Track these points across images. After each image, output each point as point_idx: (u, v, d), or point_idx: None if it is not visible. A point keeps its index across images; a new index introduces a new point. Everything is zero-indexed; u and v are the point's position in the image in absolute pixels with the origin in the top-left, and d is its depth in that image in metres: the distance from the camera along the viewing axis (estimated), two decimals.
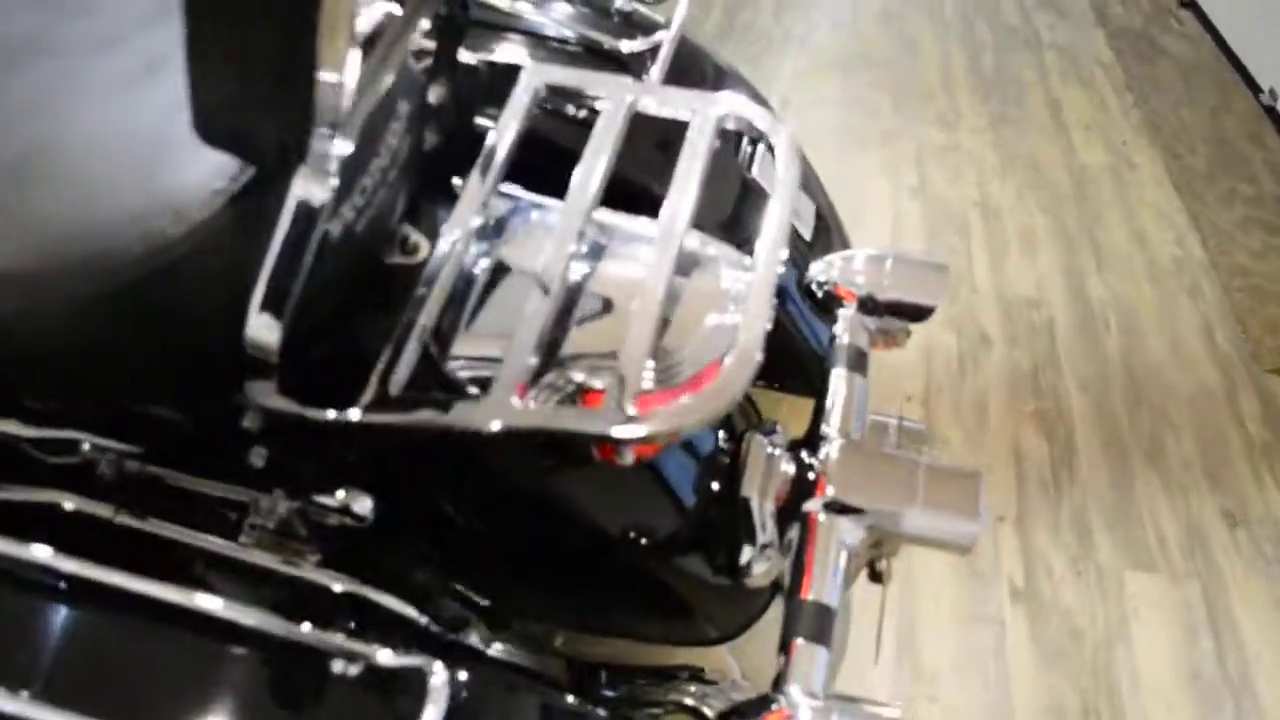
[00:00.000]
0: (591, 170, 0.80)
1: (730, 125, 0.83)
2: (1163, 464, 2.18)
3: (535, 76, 0.86)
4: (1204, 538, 2.04)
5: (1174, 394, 2.35)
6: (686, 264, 0.80)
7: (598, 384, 0.73)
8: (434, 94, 0.87)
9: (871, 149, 3.16)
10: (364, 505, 0.79)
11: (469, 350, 0.76)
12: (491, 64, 0.92)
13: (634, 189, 0.89)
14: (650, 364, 0.73)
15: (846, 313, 1.01)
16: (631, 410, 0.64)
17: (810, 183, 1.22)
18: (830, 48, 3.71)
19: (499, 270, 0.81)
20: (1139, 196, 3.02)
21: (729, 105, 0.83)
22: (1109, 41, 3.83)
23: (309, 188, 0.63)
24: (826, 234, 1.20)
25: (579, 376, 0.74)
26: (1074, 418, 2.27)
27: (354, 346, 0.75)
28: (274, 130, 0.60)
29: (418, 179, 0.83)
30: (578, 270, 0.79)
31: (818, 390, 0.96)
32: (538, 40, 1.08)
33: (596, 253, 0.80)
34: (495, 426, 0.64)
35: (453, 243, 0.78)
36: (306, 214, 0.64)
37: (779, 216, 0.77)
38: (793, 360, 1.15)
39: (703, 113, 0.83)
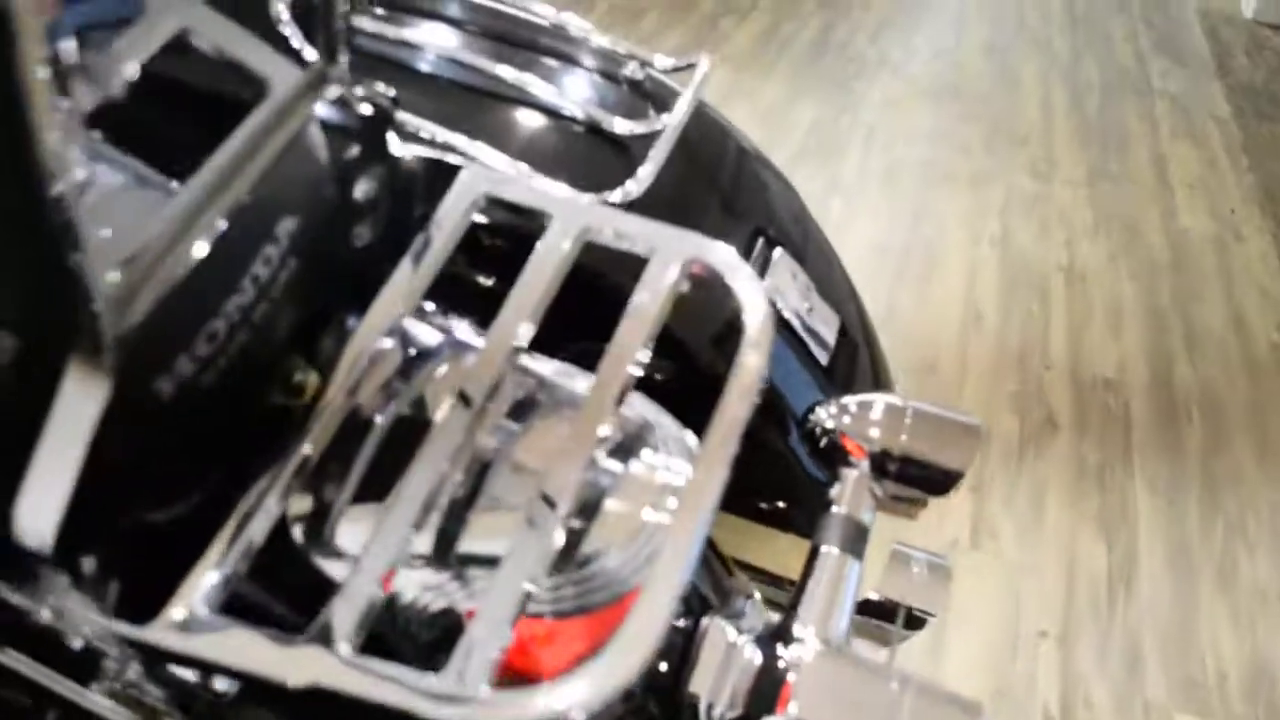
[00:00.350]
0: (521, 307, 0.67)
1: (696, 270, 0.68)
2: (1233, 587, 1.97)
3: (474, 182, 0.72)
4: (1270, 679, 1.83)
5: (1254, 507, 2.13)
6: (619, 439, 0.65)
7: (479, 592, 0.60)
8: (361, 189, 0.75)
9: (956, 190, 2.96)
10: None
11: (342, 533, 0.63)
12: (436, 161, 0.78)
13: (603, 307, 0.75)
14: (546, 582, 0.60)
15: (851, 474, 0.85)
16: (481, 686, 0.50)
17: (837, 288, 1.06)
18: (925, 76, 3.51)
19: (397, 423, 0.67)
20: (1243, 272, 2.78)
21: (695, 249, 0.68)
22: (1227, 95, 3.56)
23: (81, 381, 0.50)
24: (851, 354, 1.04)
25: (468, 584, 0.61)
26: (1140, 523, 2.06)
27: (209, 516, 0.62)
28: (19, 298, 0.47)
29: (320, 297, 0.70)
30: (485, 436, 0.65)
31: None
32: (535, 112, 0.94)
33: (517, 411, 0.66)
34: (302, 681, 0.51)
35: (342, 383, 0.64)
36: (83, 406, 0.51)
37: (737, 400, 0.62)
38: (790, 495, 1.00)
39: (664, 253, 0.68)
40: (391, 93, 0.70)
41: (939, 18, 3.90)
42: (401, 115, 0.87)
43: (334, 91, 0.64)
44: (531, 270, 0.68)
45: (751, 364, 0.63)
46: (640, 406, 0.69)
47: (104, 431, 0.53)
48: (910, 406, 0.86)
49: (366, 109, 0.72)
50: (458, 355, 0.70)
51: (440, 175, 0.77)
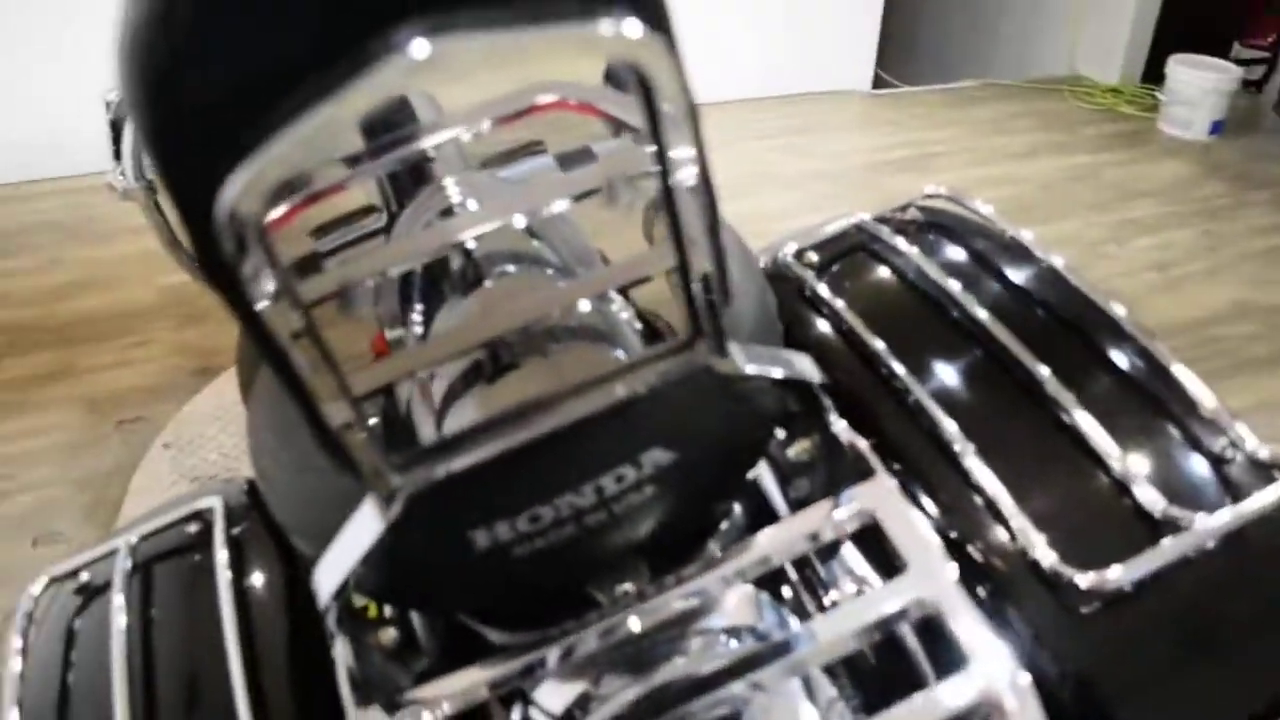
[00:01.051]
0: (821, 632, 0.66)
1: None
2: None
3: (864, 495, 0.71)
4: None
5: None
6: None
7: None
8: (794, 451, 0.80)
9: None
10: None
11: None
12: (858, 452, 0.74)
13: None
14: None
15: None
16: None
17: None
18: None
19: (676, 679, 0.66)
20: None
21: (1003, 698, 0.61)
22: None
23: (371, 509, 0.59)
24: None
25: None
26: None
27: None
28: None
29: (678, 526, 0.72)
30: None
31: None
32: (1060, 442, 0.81)
33: None
34: None
35: (650, 605, 0.67)
36: (369, 525, 0.60)
37: None
38: None
39: (975, 675, 0.63)
40: (817, 378, 0.69)
41: None
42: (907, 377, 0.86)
43: (725, 366, 0.64)
44: (851, 609, 0.67)
45: None
46: None
47: (412, 542, 0.63)
48: None
49: (806, 371, 0.72)
50: (757, 647, 0.68)
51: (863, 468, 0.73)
